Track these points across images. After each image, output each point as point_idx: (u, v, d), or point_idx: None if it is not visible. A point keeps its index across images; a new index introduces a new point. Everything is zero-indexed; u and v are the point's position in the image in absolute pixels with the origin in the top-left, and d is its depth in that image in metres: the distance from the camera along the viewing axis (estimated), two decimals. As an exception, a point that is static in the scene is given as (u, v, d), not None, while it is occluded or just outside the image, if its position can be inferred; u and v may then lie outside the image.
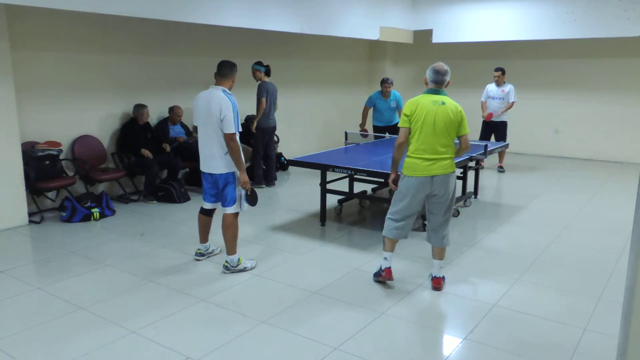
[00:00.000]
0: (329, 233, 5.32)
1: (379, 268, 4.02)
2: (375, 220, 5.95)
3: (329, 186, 5.57)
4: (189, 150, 6.86)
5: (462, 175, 6.36)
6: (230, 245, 4.20)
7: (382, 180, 6.10)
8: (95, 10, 5.05)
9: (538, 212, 6.12)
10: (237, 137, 4.00)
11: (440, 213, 3.83)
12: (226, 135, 3.96)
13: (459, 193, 6.38)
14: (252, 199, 4.21)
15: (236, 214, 4.18)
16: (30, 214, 5.56)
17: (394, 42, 10.23)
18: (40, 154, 5.56)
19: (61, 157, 5.84)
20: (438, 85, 3.72)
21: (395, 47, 11.30)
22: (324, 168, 5.28)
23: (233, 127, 3.94)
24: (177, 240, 5.05)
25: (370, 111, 7.86)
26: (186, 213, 5.97)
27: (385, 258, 3.95)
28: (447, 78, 3.73)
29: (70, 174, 6.02)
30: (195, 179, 7.14)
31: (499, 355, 3.03)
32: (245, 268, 4.24)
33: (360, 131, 7.87)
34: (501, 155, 8.36)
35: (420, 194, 3.75)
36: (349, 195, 5.85)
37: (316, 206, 5.91)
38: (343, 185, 5.96)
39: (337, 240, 5.09)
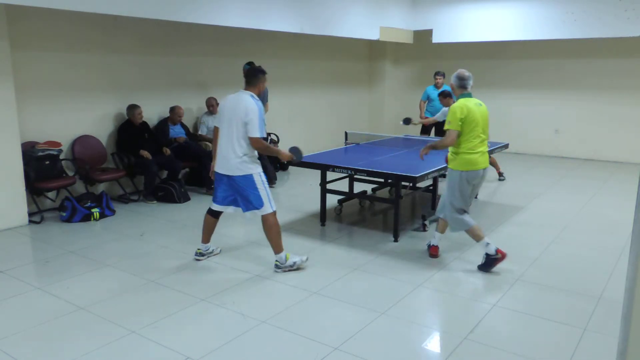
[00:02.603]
0: (329, 233, 5.32)
1: (487, 256, 4.22)
2: (375, 220, 5.95)
3: (329, 186, 5.57)
4: (188, 150, 6.87)
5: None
6: (276, 244, 4.19)
7: (382, 180, 6.13)
8: (95, 10, 5.05)
9: (538, 212, 6.12)
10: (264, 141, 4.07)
11: (472, 197, 4.36)
12: (252, 139, 3.99)
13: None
14: (297, 154, 4.40)
15: (274, 213, 4.16)
16: (30, 214, 5.56)
17: (394, 42, 10.23)
18: (40, 154, 5.56)
19: (61, 157, 5.84)
20: (466, 89, 4.18)
21: (395, 47, 11.31)
22: (324, 168, 5.28)
23: (258, 132, 3.98)
24: (177, 240, 5.05)
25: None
26: (186, 213, 5.97)
27: (487, 243, 4.19)
28: (472, 82, 4.20)
29: (70, 174, 6.02)
30: (195, 179, 7.14)
31: (499, 355, 3.03)
32: (295, 263, 4.23)
33: (420, 122, 8.16)
34: (494, 163, 7.67)
35: (472, 185, 4.20)
36: (349, 195, 5.85)
37: (316, 206, 5.91)
38: (343, 185, 5.96)
39: (337, 240, 5.09)
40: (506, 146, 7.21)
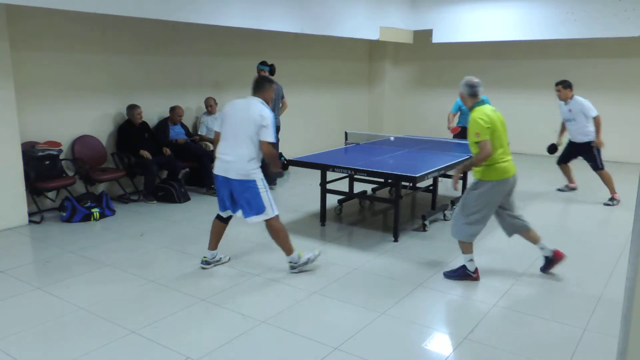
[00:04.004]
0: (329, 233, 5.32)
1: (464, 269, 4.07)
2: (375, 220, 5.95)
3: (329, 186, 5.57)
4: (188, 150, 6.87)
5: (462, 175, 6.34)
6: (286, 248, 4.13)
7: (382, 180, 6.13)
8: (95, 10, 5.05)
9: (537, 212, 6.11)
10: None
11: (512, 201, 4.10)
12: (264, 143, 3.93)
13: (459, 193, 6.38)
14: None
15: (277, 217, 4.07)
16: (30, 214, 5.56)
17: (394, 42, 10.23)
18: (40, 154, 5.56)
19: (61, 157, 5.84)
20: (477, 97, 3.94)
21: (395, 47, 11.30)
22: (324, 168, 5.28)
23: (271, 137, 3.96)
24: (177, 240, 5.05)
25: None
26: (186, 213, 5.97)
27: (471, 260, 4.06)
28: (482, 88, 3.97)
29: (70, 174, 6.02)
30: (195, 178, 7.14)
31: (499, 355, 3.03)
32: (309, 259, 4.20)
33: (452, 131, 7.59)
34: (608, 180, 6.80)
35: (504, 194, 3.96)
36: (349, 195, 5.85)
37: (316, 206, 5.91)
38: (343, 185, 5.96)
39: (337, 240, 5.09)
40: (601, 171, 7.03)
